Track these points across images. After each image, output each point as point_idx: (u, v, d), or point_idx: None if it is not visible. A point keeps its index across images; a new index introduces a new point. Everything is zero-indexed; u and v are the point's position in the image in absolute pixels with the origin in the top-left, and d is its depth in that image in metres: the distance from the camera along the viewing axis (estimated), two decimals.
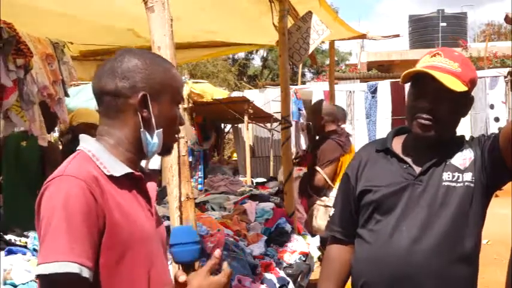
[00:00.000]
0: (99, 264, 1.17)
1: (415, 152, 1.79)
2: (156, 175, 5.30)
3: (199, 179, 8.70)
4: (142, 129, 1.30)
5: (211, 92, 8.98)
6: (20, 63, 3.13)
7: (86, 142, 1.31)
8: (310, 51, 4.16)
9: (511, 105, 11.00)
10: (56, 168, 1.25)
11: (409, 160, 1.78)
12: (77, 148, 1.31)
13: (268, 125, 10.19)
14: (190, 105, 7.38)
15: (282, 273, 3.21)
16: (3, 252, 2.58)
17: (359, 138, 10.46)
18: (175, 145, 1.62)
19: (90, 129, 4.15)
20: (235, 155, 12.81)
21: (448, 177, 1.71)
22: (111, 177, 1.25)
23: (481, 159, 1.72)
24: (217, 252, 1.33)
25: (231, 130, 12.09)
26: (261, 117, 9.34)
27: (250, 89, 14.83)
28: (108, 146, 1.30)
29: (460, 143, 1.79)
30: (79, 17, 3.64)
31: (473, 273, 1.75)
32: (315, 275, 3.24)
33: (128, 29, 4.05)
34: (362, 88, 11.58)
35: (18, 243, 2.85)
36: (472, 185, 1.70)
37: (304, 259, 3.59)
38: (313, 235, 4.08)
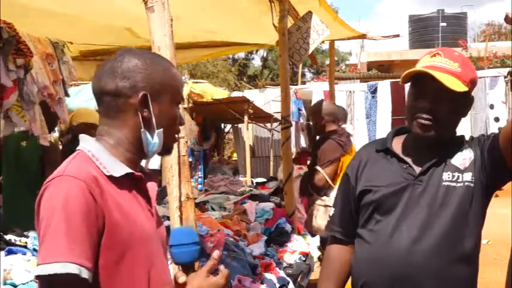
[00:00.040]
0: (98, 264, 1.17)
1: (415, 152, 1.79)
2: (156, 175, 5.31)
3: (199, 179, 8.71)
4: (142, 129, 1.29)
5: (211, 92, 8.98)
6: (20, 63, 3.13)
7: (86, 142, 1.31)
8: (310, 51, 4.16)
9: (511, 105, 10.99)
10: (56, 168, 1.24)
11: (409, 160, 1.78)
12: (77, 148, 1.30)
13: (268, 125, 10.19)
14: (190, 105, 7.39)
15: (282, 273, 3.21)
16: (3, 252, 2.58)
17: (359, 138, 10.45)
18: (175, 145, 1.62)
19: (90, 129, 4.15)
20: (235, 155, 12.81)
21: (448, 177, 1.71)
22: (111, 178, 1.24)
23: (481, 159, 1.72)
24: (216, 253, 1.33)
25: (231, 130, 12.09)
26: (261, 117, 9.34)
27: (250, 89, 14.83)
28: (108, 146, 1.29)
29: (460, 143, 1.79)
30: (78, 16, 3.64)
31: (473, 273, 1.75)
32: (315, 275, 3.24)
33: (126, 28, 4.04)
34: (362, 88, 11.58)
35: (18, 243, 2.85)
36: (472, 185, 1.70)
37: (304, 259, 3.59)
38: (313, 235, 4.08)
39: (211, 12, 3.85)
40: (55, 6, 3.33)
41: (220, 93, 9.74)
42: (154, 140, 1.31)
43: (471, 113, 10.19)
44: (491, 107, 10.94)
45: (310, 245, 3.84)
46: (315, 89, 11.39)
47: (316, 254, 3.86)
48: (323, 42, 5.00)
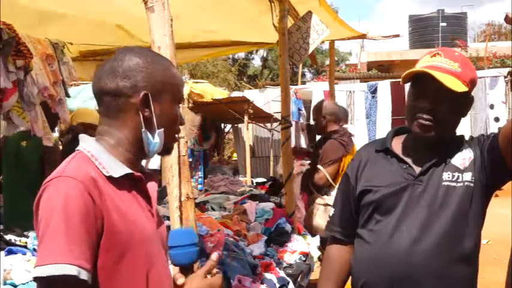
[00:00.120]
0: (97, 265, 1.16)
1: (415, 152, 1.79)
2: (156, 175, 5.30)
3: (199, 179, 8.71)
4: (143, 129, 1.28)
5: (211, 92, 8.99)
6: (19, 64, 3.13)
7: (86, 142, 1.30)
8: (310, 51, 4.16)
9: (511, 105, 10.99)
10: (56, 168, 1.24)
11: (409, 160, 1.78)
12: (76, 148, 1.29)
13: (268, 125, 10.19)
14: (190, 105, 7.39)
15: (282, 273, 3.21)
16: (3, 252, 2.58)
17: (359, 138, 10.43)
18: (175, 145, 1.62)
19: (89, 129, 4.16)
20: (235, 155, 12.81)
21: (448, 177, 1.71)
22: (110, 178, 1.23)
23: (481, 159, 1.72)
24: (215, 256, 1.33)
25: (231, 130, 12.09)
26: (261, 117, 9.34)
27: (250, 89, 14.83)
28: (107, 147, 1.29)
29: (459, 143, 1.79)
30: (78, 16, 3.64)
31: (473, 273, 1.75)
32: (315, 275, 3.24)
33: (117, 25, 4.03)
34: (362, 88, 11.58)
35: (18, 243, 2.85)
36: (471, 184, 1.70)
37: (304, 259, 3.59)
38: (313, 234, 4.08)
39: (211, 12, 3.85)
40: (55, 6, 3.34)
41: (220, 93, 9.74)
42: (155, 140, 1.30)
43: (471, 113, 10.19)
44: (491, 107, 10.94)
45: (310, 245, 3.84)
46: (315, 89, 11.38)
47: (316, 254, 3.86)
48: (323, 42, 5.00)
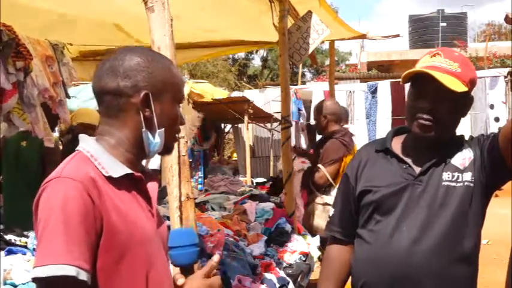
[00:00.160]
0: (96, 266, 1.16)
1: (415, 152, 1.79)
2: (157, 175, 5.30)
3: (199, 179, 8.71)
4: (144, 129, 1.28)
5: (211, 92, 8.99)
6: (19, 66, 3.13)
7: (85, 142, 1.29)
8: (310, 51, 4.16)
9: (511, 105, 10.99)
10: (56, 168, 1.24)
11: (408, 160, 1.78)
12: (76, 148, 1.29)
13: (268, 125, 10.20)
14: (190, 105, 7.39)
15: (282, 273, 3.21)
16: (3, 252, 2.58)
17: (359, 138, 10.40)
18: (175, 145, 1.62)
19: (88, 129, 4.16)
20: (235, 155, 12.82)
21: (448, 177, 1.71)
22: (110, 178, 1.23)
23: (481, 159, 1.72)
24: (217, 257, 1.32)
25: (231, 130, 12.10)
26: (261, 117, 9.35)
27: (250, 89, 14.84)
28: (107, 147, 1.28)
29: (459, 143, 1.79)
30: (78, 16, 3.64)
31: (473, 273, 1.75)
32: (315, 275, 3.23)
33: (116, 25, 4.03)
34: (362, 88, 11.58)
35: (18, 243, 2.85)
36: (471, 184, 1.70)
37: (304, 259, 3.59)
38: (313, 234, 4.08)
39: (211, 11, 3.85)
40: (55, 6, 3.33)
41: (220, 93, 9.75)
42: (156, 139, 1.30)
43: (471, 113, 10.19)
44: (491, 107, 10.94)
45: (310, 245, 3.84)
46: (315, 89, 11.39)
47: (316, 254, 3.85)
48: (323, 42, 5.00)
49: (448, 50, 1.80)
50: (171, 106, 1.33)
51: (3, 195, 4.21)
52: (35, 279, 1.11)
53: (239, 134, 11.22)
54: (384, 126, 10.67)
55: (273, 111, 9.92)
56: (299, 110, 10.49)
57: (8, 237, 2.88)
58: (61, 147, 4.88)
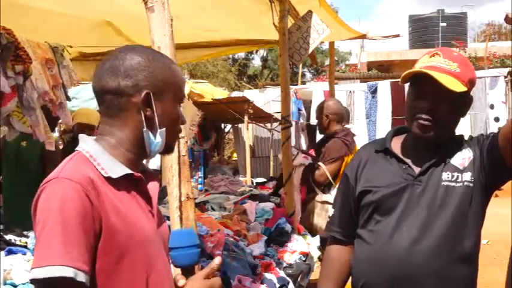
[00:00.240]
0: (95, 268, 1.15)
1: (415, 152, 1.79)
2: (157, 174, 5.30)
3: (199, 179, 8.71)
4: (145, 129, 1.27)
5: (211, 92, 9.00)
6: (18, 69, 3.12)
7: (85, 142, 1.29)
8: (310, 51, 4.16)
9: (511, 105, 10.99)
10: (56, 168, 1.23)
11: (408, 160, 1.77)
12: (76, 149, 1.28)
13: (268, 125, 10.20)
14: (190, 100, 7.39)
15: (282, 273, 3.21)
16: (3, 252, 2.58)
17: (359, 138, 10.42)
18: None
19: (85, 129, 4.17)
20: (235, 155, 12.83)
21: (448, 177, 1.71)
22: (109, 179, 1.22)
23: (480, 159, 1.72)
24: (218, 260, 1.32)
25: (231, 130, 12.10)
26: (261, 117, 9.35)
27: (250, 89, 14.84)
28: (107, 147, 1.27)
29: (459, 143, 1.79)
30: (78, 16, 3.64)
31: (473, 273, 1.75)
32: (315, 275, 3.24)
33: (112, 24, 4.03)
34: (362, 88, 11.58)
35: (18, 243, 2.85)
36: (471, 184, 1.70)
37: (304, 259, 3.59)
38: (313, 234, 4.08)
39: (211, 11, 3.85)
40: (55, 6, 3.33)
41: (220, 93, 9.76)
42: (157, 139, 1.29)
43: (471, 113, 10.20)
44: (491, 107, 10.94)
45: (310, 245, 3.84)
46: (315, 89, 11.39)
47: (316, 254, 3.86)
48: (323, 42, 5.00)
49: (447, 50, 1.80)
50: (172, 105, 1.32)
51: (3, 195, 4.21)
52: (33, 281, 1.10)
53: (239, 134, 11.22)
54: (384, 126, 10.67)
55: (273, 111, 9.92)
56: (299, 110, 10.50)
57: (8, 237, 2.88)
58: (61, 146, 4.89)
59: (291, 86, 5.32)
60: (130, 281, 1.21)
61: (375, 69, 17.54)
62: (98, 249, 1.15)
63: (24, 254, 2.63)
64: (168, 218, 2.03)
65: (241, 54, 23.89)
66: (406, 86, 1.80)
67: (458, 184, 1.70)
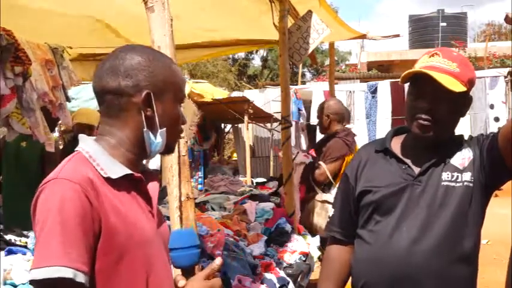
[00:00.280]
0: (95, 268, 1.15)
1: (414, 152, 1.79)
2: (157, 174, 5.30)
3: (199, 179, 8.72)
4: (145, 129, 1.27)
5: (211, 92, 9.01)
6: (18, 70, 3.12)
7: (85, 143, 1.28)
8: (310, 51, 4.16)
9: (511, 105, 10.99)
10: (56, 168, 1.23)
11: (408, 161, 1.78)
12: (76, 149, 1.28)
13: (268, 125, 10.20)
14: (189, 99, 7.39)
15: (282, 273, 3.21)
16: (3, 252, 2.59)
17: (359, 138, 10.41)
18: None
19: (85, 129, 4.17)
20: (235, 155, 12.83)
21: (447, 177, 1.71)
22: (109, 179, 1.22)
23: (480, 159, 1.72)
24: (219, 260, 1.32)
25: (231, 130, 12.10)
26: (261, 117, 9.35)
27: (250, 89, 14.85)
28: (107, 147, 1.27)
29: (459, 143, 1.79)
30: (77, 16, 3.64)
31: (473, 273, 1.75)
32: (315, 275, 3.24)
33: (108, 26, 4.02)
34: (362, 88, 11.58)
35: (18, 243, 2.85)
36: (471, 184, 1.70)
37: (304, 259, 3.59)
38: (312, 234, 4.08)
39: (211, 11, 3.85)
40: (55, 6, 3.33)
41: (220, 93, 9.76)
42: (158, 139, 1.29)
43: (471, 113, 10.20)
44: (491, 107, 10.94)
45: (310, 245, 3.84)
46: (315, 89, 11.39)
47: (316, 254, 3.86)
48: (323, 42, 5.00)
49: (447, 50, 1.80)
50: (172, 106, 1.32)
51: (3, 195, 4.21)
52: (32, 282, 1.10)
53: (239, 134, 11.22)
54: (384, 126, 10.66)
55: (273, 111, 9.93)
56: (299, 110, 10.50)
57: (8, 237, 2.88)
58: (61, 146, 4.89)
59: (291, 86, 5.32)
60: (130, 281, 1.21)
61: (375, 69, 17.54)
62: (97, 250, 1.15)
63: (24, 254, 2.63)
64: (168, 218, 2.03)
65: (241, 54, 23.91)
66: (406, 86, 1.80)
67: (458, 184, 1.70)
